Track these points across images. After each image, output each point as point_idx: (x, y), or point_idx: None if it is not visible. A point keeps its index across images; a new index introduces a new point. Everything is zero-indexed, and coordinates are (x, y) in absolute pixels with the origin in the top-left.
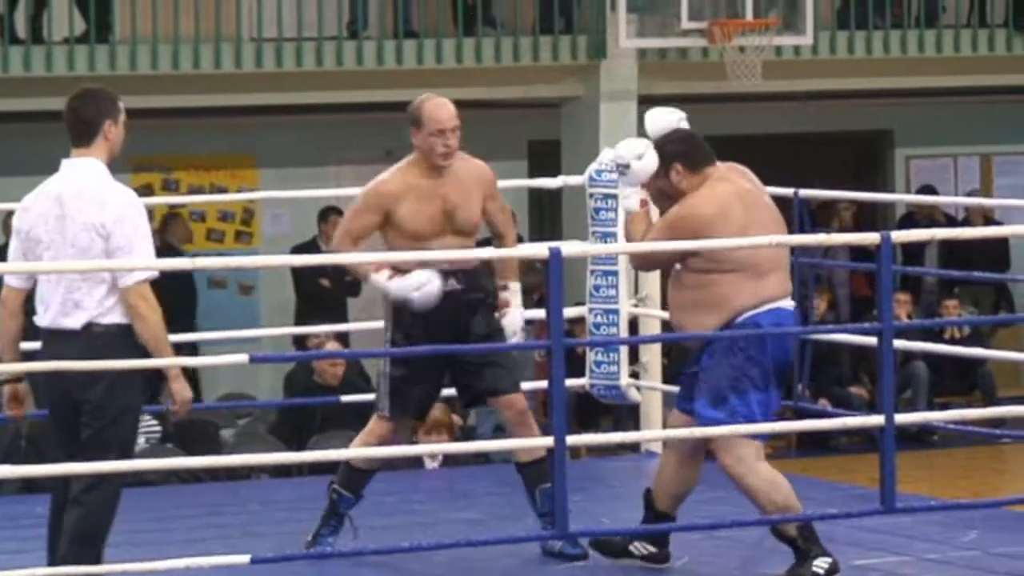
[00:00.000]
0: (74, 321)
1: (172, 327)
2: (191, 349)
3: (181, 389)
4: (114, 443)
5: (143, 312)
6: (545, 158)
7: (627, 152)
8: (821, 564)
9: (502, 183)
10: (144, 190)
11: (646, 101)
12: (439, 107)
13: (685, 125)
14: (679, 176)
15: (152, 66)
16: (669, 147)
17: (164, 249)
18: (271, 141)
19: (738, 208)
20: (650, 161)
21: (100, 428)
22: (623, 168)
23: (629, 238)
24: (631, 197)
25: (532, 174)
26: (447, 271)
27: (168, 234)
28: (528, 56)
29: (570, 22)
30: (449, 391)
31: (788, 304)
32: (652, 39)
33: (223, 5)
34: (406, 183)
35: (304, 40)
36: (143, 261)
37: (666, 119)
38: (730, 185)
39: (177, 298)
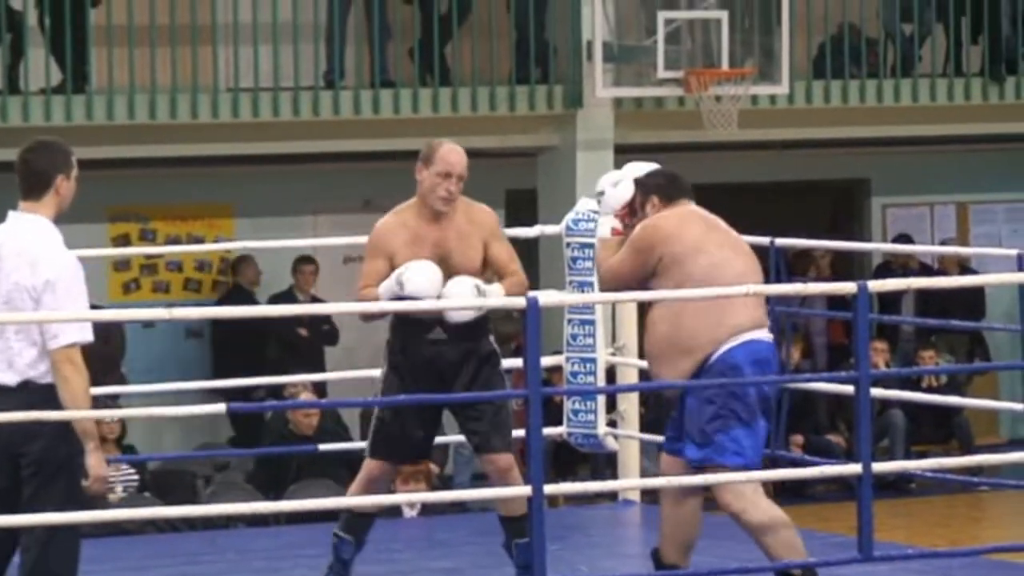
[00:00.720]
0: (10, 378)
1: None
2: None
3: (97, 464)
4: (56, 497)
5: (67, 374)
6: (522, 207)
7: (604, 180)
8: None
9: None
10: (121, 240)
11: (622, 150)
12: (451, 151)
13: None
14: (654, 209)
15: (129, 116)
16: (649, 180)
17: (235, 290)
18: (248, 190)
19: (698, 224)
20: (625, 188)
21: (40, 484)
22: (599, 196)
23: (598, 262)
24: (604, 224)
25: (509, 223)
26: (435, 320)
27: (239, 275)
28: (504, 106)
29: (546, 72)
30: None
31: (763, 335)
32: (628, 88)
33: (200, 55)
34: (401, 223)
35: (281, 90)
36: (125, 312)
37: (644, 169)
38: (696, 212)
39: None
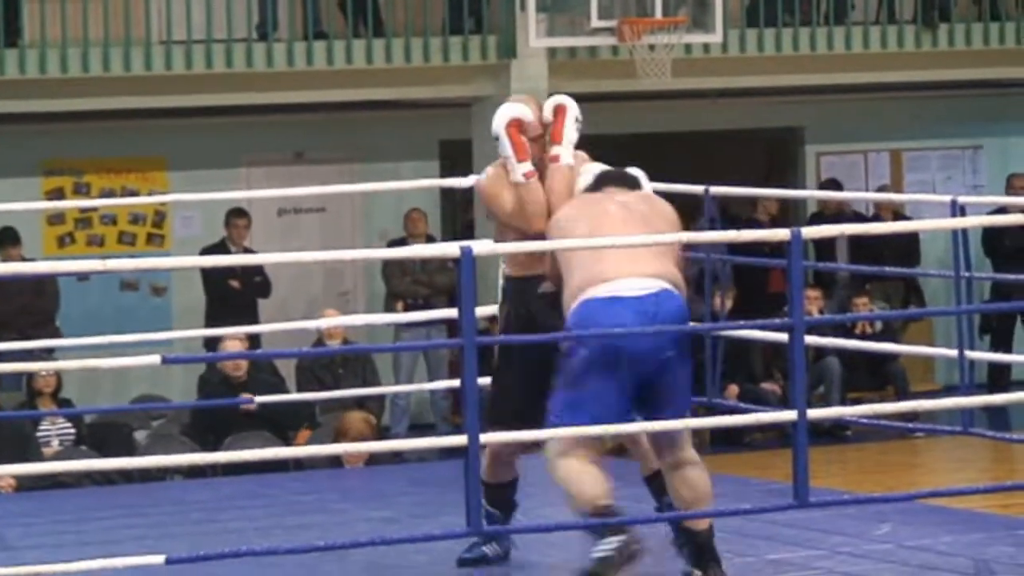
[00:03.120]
0: None
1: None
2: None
3: None
4: None
5: None
6: (457, 158)
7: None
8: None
9: (413, 183)
10: (55, 193)
11: None
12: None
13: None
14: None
15: (62, 69)
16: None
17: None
18: (182, 143)
19: (575, 205)
20: (581, 181)
21: None
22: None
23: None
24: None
25: (444, 174)
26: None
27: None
28: (438, 56)
29: (480, 22)
30: None
31: (602, 289)
32: (562, 38)
33: (132, 8)
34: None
35: (214, 42)
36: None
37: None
38: (593, 193)
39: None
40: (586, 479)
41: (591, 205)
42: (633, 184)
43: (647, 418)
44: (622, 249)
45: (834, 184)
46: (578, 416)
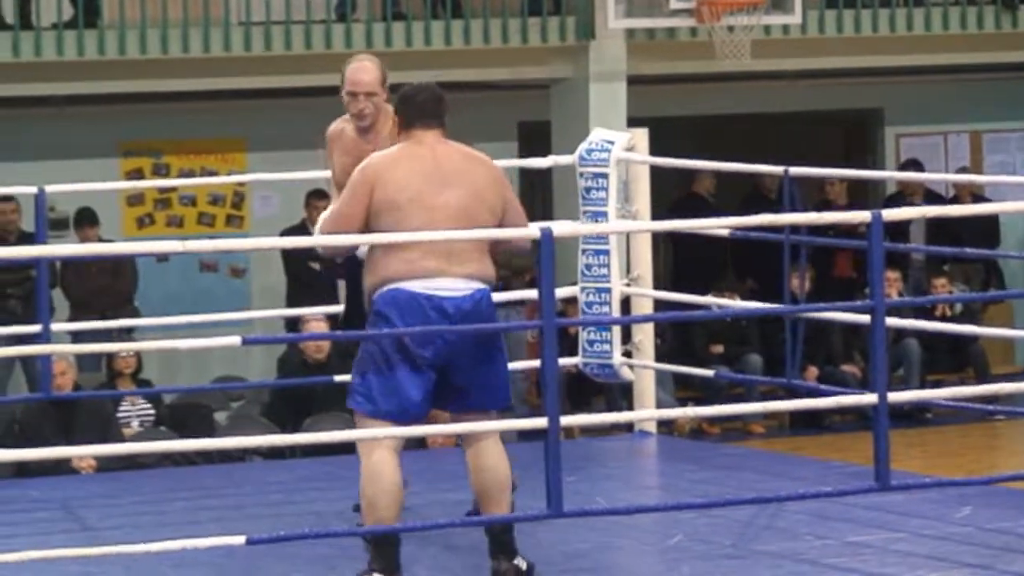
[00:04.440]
0: None
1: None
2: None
3: None
4: None
5: None
6: (535, 139)
7: None
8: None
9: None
10: (134, 174)
11: (635, 81)
12: (356, 70)
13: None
14: (395, 128)
15: (141, 51)
16: (397, 98)
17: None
18: (260, 124)
19: (399, 171)
20: None
21: None
22: None
23: None
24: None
25: (522, 155)
26: None
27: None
28: (517, 38)
29: (558, 3)
30: None
31: (417, 285)
32: (640, 19)
33: None
34: (341, 131)
35: (293, 23)
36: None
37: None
38: (416, 148)
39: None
40: (383, 494)
41: (407, 164)
42: (438, 112)
43: (452, 409)
44: (444, 242)
45: (915, 165)
46: (387, 401)
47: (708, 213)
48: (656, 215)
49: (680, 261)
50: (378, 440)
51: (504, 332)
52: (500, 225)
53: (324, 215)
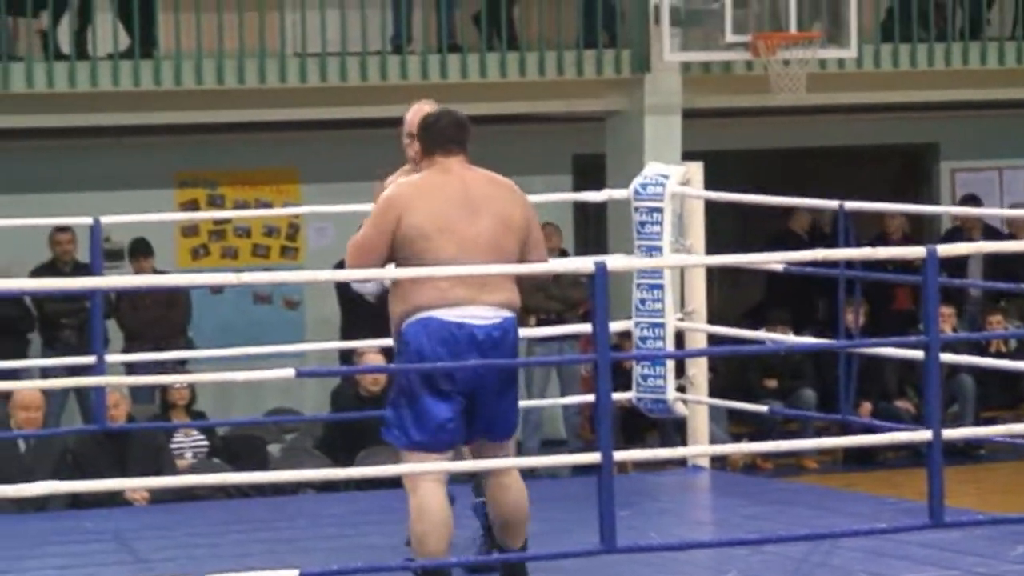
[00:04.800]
0: None
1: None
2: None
3: None
4: None
5: None
6: (590, 172)
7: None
8: None
9: (546, 197)
10: (189, 205)
11: (690, 114)
12: (415, 112)
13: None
14: (417, 155)
15: (196, 81)
16: (419, 126)
17: None
18: (316, 155)
19: (424, 198)
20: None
21: None
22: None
23: None
24: None
25: (577, 188)
26: None
27: None
28: (572, 70)
29: (613, 36)
30: None
31: (447, 314)
32: (696, 52)
33: (267, 20)
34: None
35: (348, 55)
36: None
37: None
38: (443, 175)
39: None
40: (432, 530)
41: (435, 193)
42: (462, 137)
43: (471, 438)
44: (469, 259)
45: (973, 200)
46: (420, 431)
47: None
48: (740, 249)
49: (772, 295)
50: (420, 475)
51: (557, 365)
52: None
53: (350, 242)
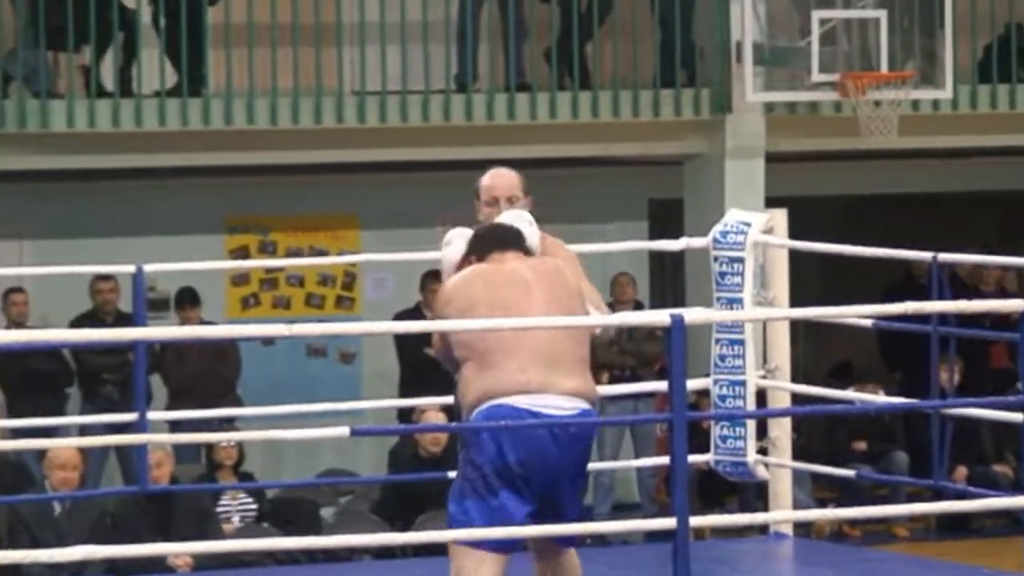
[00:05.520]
0: None
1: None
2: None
3: None
4: None
5: None
6: (667, 218)
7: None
8: None
9: (620, 245)
10: (239, 252)
11: (774, 158)
12: (493, 175)
13: (527, 227)
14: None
15: (248, 120)
16: (472, 235)
17: None
18: (374, 200)
19: (476, 284)
20: (454, 249)
21: None
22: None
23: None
24: None
25: (653, 235)
26: None
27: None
28: (648, 111)
29: (693, 75)
30: None
31: (522, 401)
32: (780, 92)
33: (323, 57)
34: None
35: (409, 93)
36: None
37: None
38: (489, 265)
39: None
40: None
41: (490, 278)
42: (517, 241)
43: (543, 522)
44: (541, 348)
45: None
46: (491, 522)
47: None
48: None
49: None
50: (470, 568)
51: (630, 425)
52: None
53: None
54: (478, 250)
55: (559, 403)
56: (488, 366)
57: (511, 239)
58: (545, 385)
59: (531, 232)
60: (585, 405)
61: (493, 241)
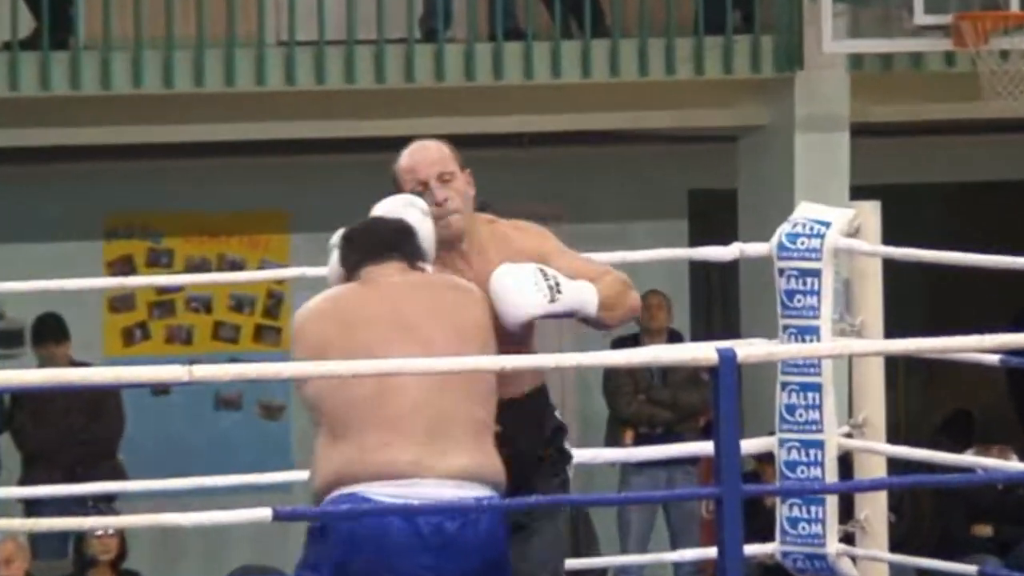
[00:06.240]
0: None
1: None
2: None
3: None
4: None
5: None
6: (713, 216)
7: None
8: None
9: (650, 253)
10: (121, 264)
11: (863, 131)
12: (413, 152)
13: (417, 219)
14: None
15: (133, 83)
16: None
17: None
18: (309, 192)
19: (328, 321)
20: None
21: None
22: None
23: None
24: None
25: (694, 239)
26: None
27: None
28: (687, 67)
29: (749, 17)
30: None
31: (381, 490)
32: (871, 40)
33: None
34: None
35: (358, 44)
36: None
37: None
38: (354, 289)
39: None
40: None
41: (349, 312)
42: (399, 244)
43: None
44: (416, 412)
45: None
46: None
47: None
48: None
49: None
50: None
51: (664, 503)
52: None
53: None
54: (346, 262)
55: (439, 492)
56: (340, 438)
57: (389, 243)
58: (418, 466)
59: (423, 226)
60: (481, 491)
61: (363, 249)
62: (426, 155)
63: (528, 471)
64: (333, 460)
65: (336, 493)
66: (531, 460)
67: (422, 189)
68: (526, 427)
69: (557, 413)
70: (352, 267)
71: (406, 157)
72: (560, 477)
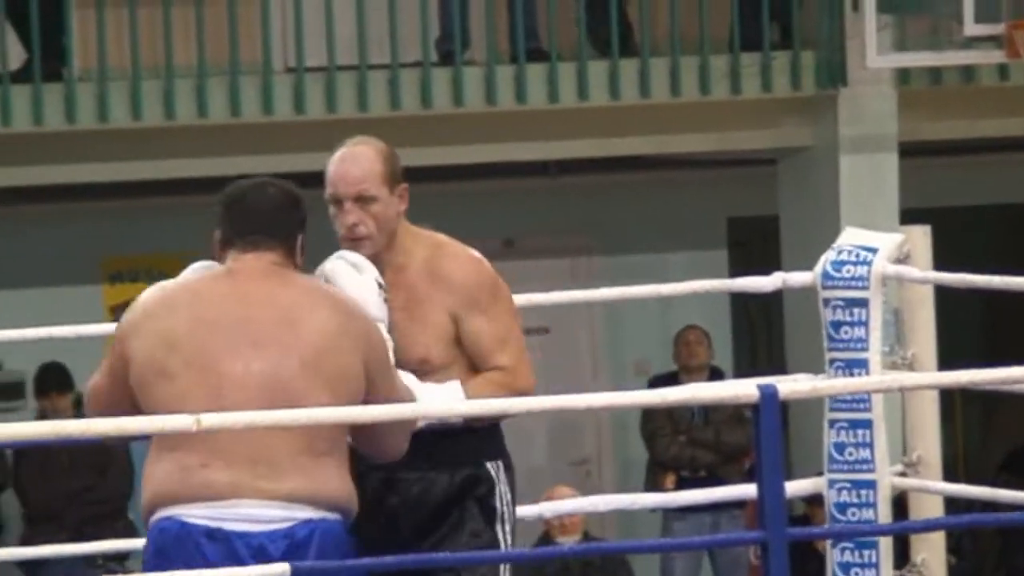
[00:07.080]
0: None
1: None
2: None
3: None
4: None
5: None
6: (754, 245)
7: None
8: None
9: (686, 286)
10: (122, 311)
11: (912, 151)
12: (340, 160)
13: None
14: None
15: (132, 116)
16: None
17: None
18: (324, 229)
19: (181, 308)
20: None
21: None
22: None
23: None
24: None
25: (734, 268)
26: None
27: None
28: (723, 86)
29: (787, 32)
30: None
31: (197, 513)
32: (918, 54)
33: (242, 18)
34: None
35: (371, 69)
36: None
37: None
38: (215, 281)
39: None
40: None
41: (195, 303)
42: (272, 227)
43: None
44: (241, 436)
45: None
46: None
47: None
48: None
49: None
50: None
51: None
52: (366, 402)
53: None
54: (220, 232)
55: (261, 512)
56: (165, 452)
57: (267, 226)
58: (237, 487)
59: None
60: (309, 514)
61: (237, 225)
62: (347, 172)
63: (426, 520)
64: (156, 477)
65: (157, 515)
66: (428, 507)
67: (336, 207)
68: (424, 467)
69: (496, 464)
70: (223, 242)
71: (331, 164)
72: (482, 538)
